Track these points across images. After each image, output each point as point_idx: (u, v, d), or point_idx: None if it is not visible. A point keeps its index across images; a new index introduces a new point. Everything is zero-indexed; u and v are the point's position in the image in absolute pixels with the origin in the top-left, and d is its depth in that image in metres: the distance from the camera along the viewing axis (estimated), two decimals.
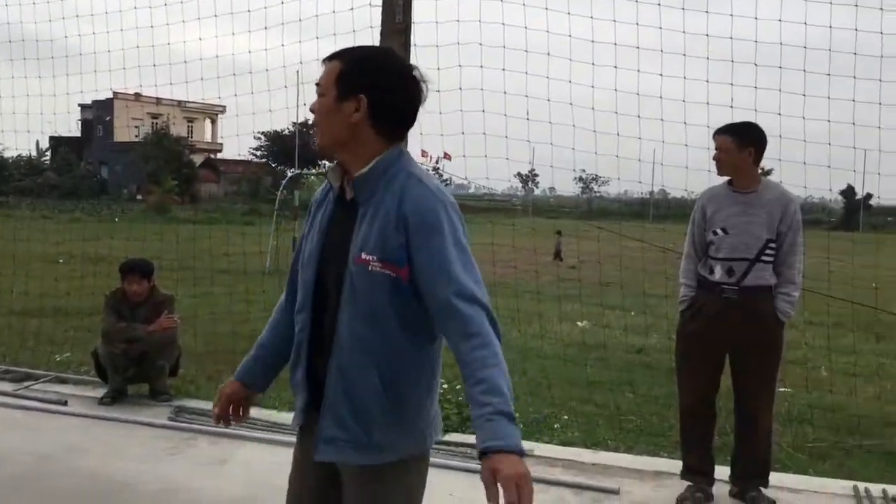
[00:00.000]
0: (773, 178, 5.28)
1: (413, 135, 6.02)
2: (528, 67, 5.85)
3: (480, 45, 5.95)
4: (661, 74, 5.79)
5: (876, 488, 4.50)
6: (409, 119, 2.17)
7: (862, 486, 4.54)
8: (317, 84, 2.15)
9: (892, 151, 5.83)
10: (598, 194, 68.15)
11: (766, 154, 4.34)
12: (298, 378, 2.25)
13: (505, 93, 5.93)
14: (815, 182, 7.75)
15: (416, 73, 2.15)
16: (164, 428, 5.40)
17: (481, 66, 5.90)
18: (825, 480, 4.82)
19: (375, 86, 2.08)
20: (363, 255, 2.06)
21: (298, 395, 2.27)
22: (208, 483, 4.48)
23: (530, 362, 7.84)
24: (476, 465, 4.69)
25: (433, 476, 4.53)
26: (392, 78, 2.11)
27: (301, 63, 6.46)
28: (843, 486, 4.62)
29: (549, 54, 5.85)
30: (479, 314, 1.98)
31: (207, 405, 5.92)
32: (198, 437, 5.25)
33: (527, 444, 5.10)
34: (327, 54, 2.17)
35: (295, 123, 51.97)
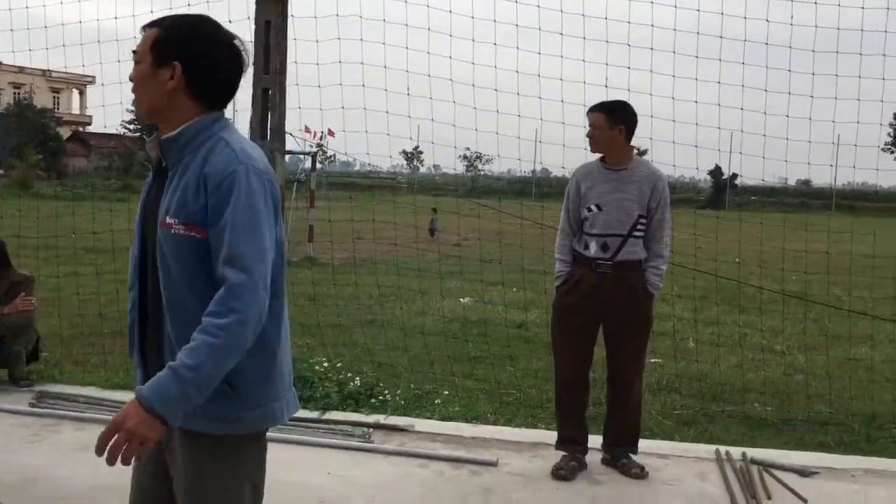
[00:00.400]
0: (646, 157, 5.45)
1: (291, 108, 5.91)
2: (408, 42, 5.80)
3: (360, 17, 5.86)
4: (538, 53, 5.86)
5: (736, 451, 4.76)
6: (226, 87, 2.15)
7: (723, 449, 4.79)
8: (133, 52, 2.13)
9: (754, 133, 6.14)
10: (482, 172, 68.90)
11: (639, 133, 4.48)
12: (135, 357, 2.22)
13: (385, 67, 5.86)
14: (687, 161, 8.07)
15: (235, 41, 2.15)
16: (24, 415, 5.10)
17: (361, 40, 5.80)
18: (690, 445, 5.07)
19: (190, 53, 2.07)
20: (167, 219, 2.03)
21: (137, 373, 2.24)
22: (73, 470, 4.26)
23: (413, 339, 7.85)
24: (355, 443, 4.68)
25: (311, 454, 4.50)
26: (207, 45, 2.09)
27: None
28: (707, 449, 4.87)
29: (429, 29, 5.81)
30: (238, 283, 1.93)
31: (73, 390, 5.64)
32: (62, 423, 4.99)
33: (407, 420, 5.16)
34: (146, 22, 2.16)
35: None
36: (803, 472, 4.47)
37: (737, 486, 4.24)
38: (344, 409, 5.36)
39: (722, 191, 47.95)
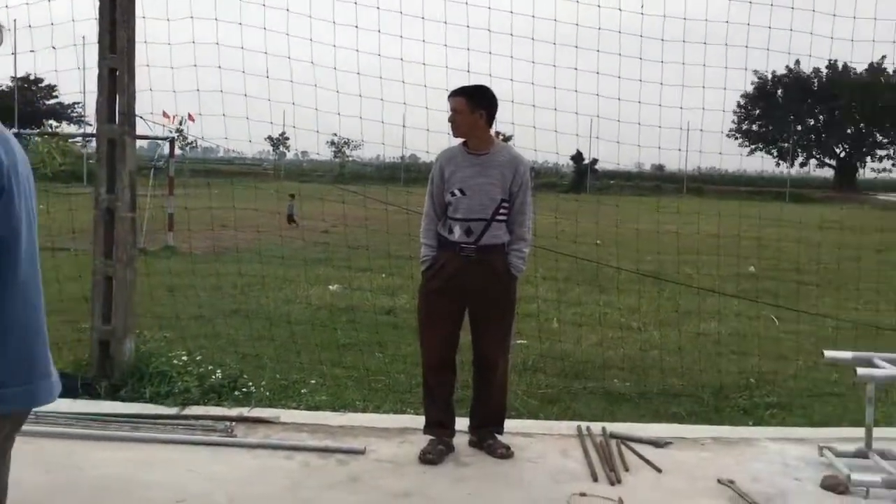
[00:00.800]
0: (511, 142, 5.52)
1: (142, 90, 5.61)
2: (266, 23, 5.62)
3: None
4: (401, 37, 5.83)
5: (596, 426, 4.93)
6: None
7: (584, 425, 4.95)
8: None
9: (610, 118, 6.36)
10: (350, 158, 68.29)
11: (503, 119, 4.54)
12: None
13: (243, 48, 5.66)
14: (549, 146, 8.24)
15: None
16: None
17: (216, 19, 5.58)
18: (554, 423, 5.21)
19: None
20: None
21: None
22: None
23: (279, 328, 7.69)
24: (217, 438, 4.53)
25: (169, 451, 4.31)
26: None
27: (8, 7, 5.74)
28: (569, 426, 5.01)
29: (287, 10, 5.66)
30: None
31: None
32: None
33: (272, 412, 5.03)
34: None
35: (13, 78, 46.43)
36: (657, 443, 4.69)
37: (596, 459, 4.39)
38: (205, 404, 5.17)
39: (583, 175, 49.62)
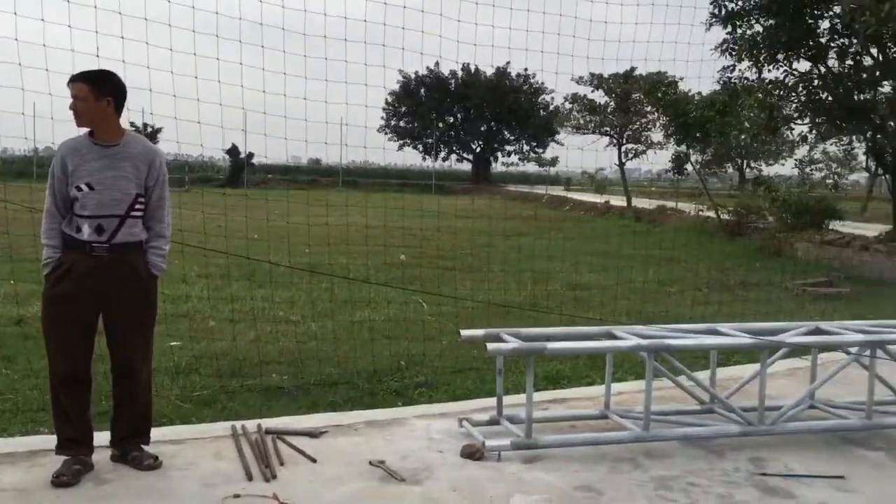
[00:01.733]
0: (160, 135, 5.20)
1: None
2: None
3: None
4: (14, 13, 5.18)
5: (252, 424, 4.84)
6: None
7: (239, 424, 4.83)
8: None
9: (257, 111, 6.29)
10: None
11: (146, 110, 4.24)
12: None
13: None
14: (194, 138, 7.92)
15: None
16: None
17: None
18: (207, 426, 5.01)
19: None
20: None
21: None
22: None
23: None
24: None
25: None
26: None
27: None
28: (224, 427, 4.86)
29: None
30: None
31: None
32: None
33: None
34: None
35: None
36: (313, 434, 4.74)
37: (251, 458, 4.31)
38: None
39: (240, 169, 48.69)
